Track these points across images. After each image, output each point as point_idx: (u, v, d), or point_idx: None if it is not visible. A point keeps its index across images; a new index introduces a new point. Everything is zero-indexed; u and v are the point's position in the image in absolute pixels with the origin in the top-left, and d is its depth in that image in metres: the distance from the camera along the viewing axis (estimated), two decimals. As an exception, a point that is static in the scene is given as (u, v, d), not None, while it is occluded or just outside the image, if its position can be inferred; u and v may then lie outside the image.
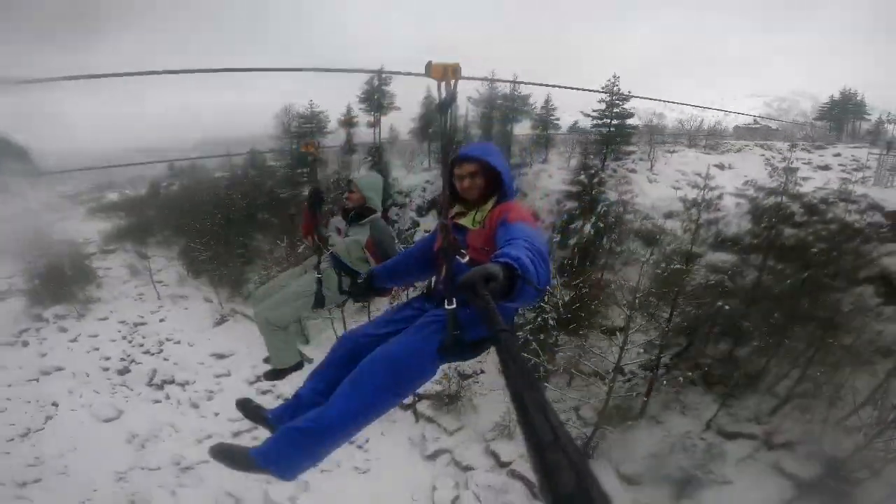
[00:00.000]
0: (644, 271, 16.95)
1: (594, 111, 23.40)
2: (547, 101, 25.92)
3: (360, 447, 19.33)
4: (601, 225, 18.70)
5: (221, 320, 27.83)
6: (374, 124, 27.06)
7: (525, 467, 16.54)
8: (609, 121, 23.19)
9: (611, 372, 15.28)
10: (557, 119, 26.29)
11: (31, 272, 32.33)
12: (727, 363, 16.80)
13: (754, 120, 30.88)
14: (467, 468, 17.61)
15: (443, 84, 1.83)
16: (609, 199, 19.37)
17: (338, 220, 3.45)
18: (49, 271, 32.15)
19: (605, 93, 22.28)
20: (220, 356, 25.38)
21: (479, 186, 2.12)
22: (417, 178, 26.42)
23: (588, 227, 18.66)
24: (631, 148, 23.60)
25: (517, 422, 0.56)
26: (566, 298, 17.82)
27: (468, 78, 1.89)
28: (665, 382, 16.70)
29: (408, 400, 20.56)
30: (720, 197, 16.47)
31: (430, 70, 1.80)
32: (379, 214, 3.37)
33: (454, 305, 1.95)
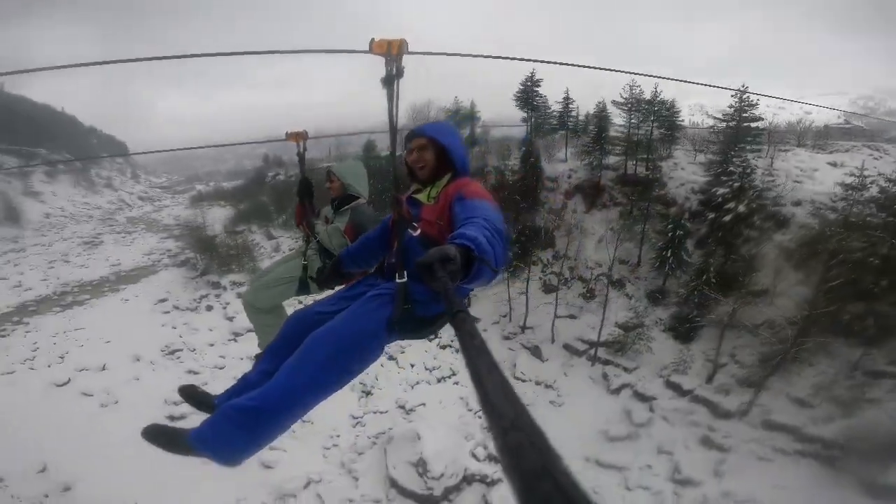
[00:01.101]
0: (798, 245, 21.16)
1: (724, 114, 27.49)
2: (672, 104, 30.07)
3: (548, 386, 23.37)
4: (753, 206, 22.90)
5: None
6: (527, 121, 31.47)
7: (708, 392, 20.61)
8: (737, 122, 27.17)
9: (788, 323, 19.34)
10: (681, 120, 30.51)
11: (192, 247, 36.97)
12: (864, 317, 20.78)
13: (845, 120, 34.34)
14: (650, 398, 21.61)
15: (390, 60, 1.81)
16: (759, 185, 23.57)
17: (327, 210, 3.54)
18: (205, 247, 36.67)
19: (733, 90, 24.62)
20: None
21: (429, 161, 2.18)
22: (558, 166, 30.81)
23: (741, 208, 22.81)
24: (757, 146, 27.47)
25: (478, 403, 0.53)
26: (719, 264, 22.13)
27: (414, 52, 1.87)
28: (814, 332, 20.73)
29: (582, 346, 24.58)
30: (873, 182, 20.58)
31: (372, 46, 1.81)
32: (363, 200, 3.38)
33: (404, 279, 1.93)
